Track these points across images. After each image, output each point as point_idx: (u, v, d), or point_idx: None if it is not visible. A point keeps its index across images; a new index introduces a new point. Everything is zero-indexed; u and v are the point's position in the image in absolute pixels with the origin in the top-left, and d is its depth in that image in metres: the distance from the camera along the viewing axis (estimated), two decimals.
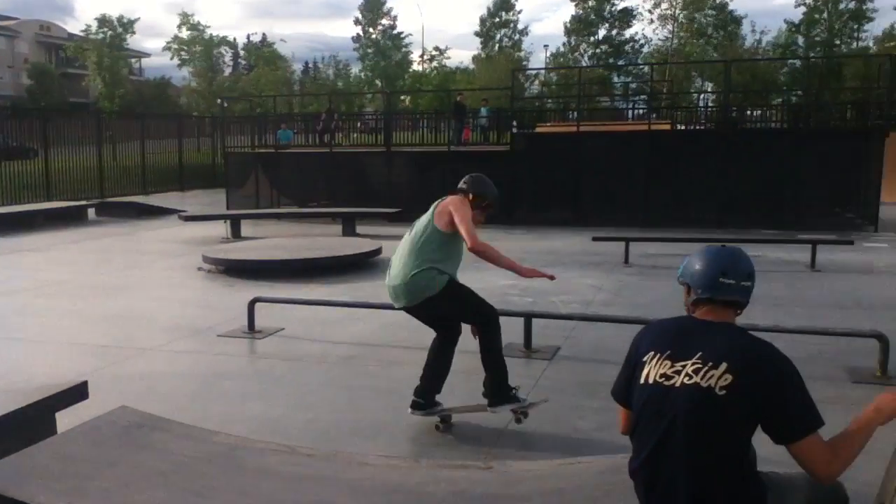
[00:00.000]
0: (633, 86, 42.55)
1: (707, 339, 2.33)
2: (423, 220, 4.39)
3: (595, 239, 10.82)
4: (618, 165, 14.34)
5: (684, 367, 2.30)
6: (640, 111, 26.75)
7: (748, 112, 25.15)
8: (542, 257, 10.85)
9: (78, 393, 3.96)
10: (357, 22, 57.44)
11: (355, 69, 60.21)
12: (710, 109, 26.10)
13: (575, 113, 21.76)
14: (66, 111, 36.13)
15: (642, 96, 28.08)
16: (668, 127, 18.56)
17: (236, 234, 13.30)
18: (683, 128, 22.13)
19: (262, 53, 57.42)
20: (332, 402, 4.92)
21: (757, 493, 2.29)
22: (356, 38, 57.41)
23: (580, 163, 14.67)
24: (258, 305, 6.63)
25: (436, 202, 4.45)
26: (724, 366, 2.24)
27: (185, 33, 50.93)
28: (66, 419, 3.76)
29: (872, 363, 5.31)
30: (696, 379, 2.26)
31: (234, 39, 58.14)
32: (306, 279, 8.96)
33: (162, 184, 23.92)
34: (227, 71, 57.31)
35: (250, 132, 21.68)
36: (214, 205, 18.44)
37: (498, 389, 4.36)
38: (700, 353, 2.29)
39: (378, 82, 54.87)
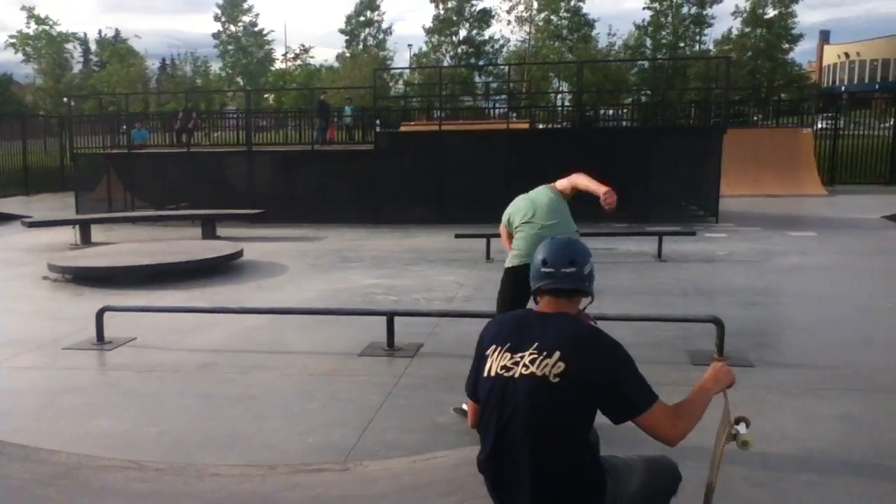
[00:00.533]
0: (494, 85, 43.55)
1: (542, 330, 2.43)
2: (543, 197, 4.86)
3: (457, 236, 11.03)
4: (479, 163, 14.64)
5: (522, 357, 2.38)
6: (501, 110, 27.44)
7: (601, 111, 26.33)
8: (406, 255, 10.94)
9: None
10: (217, 18, 55.52)
11: (215, 66, 58.28)
12: (566, 109, 27.13)
13: (439, 112, 22.05)
14: None
15: (503, 96, 28.75)
16: (526, 126, 19.12)
17: (86, 240, 12.58)
18: (542, 126, 22.88)
19: (115, 49, 54.45)
20: (186, 412, 4.75)
21: (597, 478, 2.41)
22: (216, 35, 55.51)
23: (442, 161, 14.87)
24: (108, 315, 6.31)
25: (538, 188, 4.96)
26: (556, 354, 2.33)
27: (31, 28, 47.51)
28: None
29: (711, 346, 5.70)
30: (533, 369, 2.35)
31: (85, 35, 54.71)
32: (162, 285, 8.62)
33: (4, 188, 22.24)
34: (77, 68, 53.99)
35: (102, 132, 20.55)
36: (62, 209, 17.37)
37: None
38: (536, 344, 2.38)
39: (239, 80, 53.31)
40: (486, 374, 2.47)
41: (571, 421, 2.35)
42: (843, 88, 56.69)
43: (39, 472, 3.33)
